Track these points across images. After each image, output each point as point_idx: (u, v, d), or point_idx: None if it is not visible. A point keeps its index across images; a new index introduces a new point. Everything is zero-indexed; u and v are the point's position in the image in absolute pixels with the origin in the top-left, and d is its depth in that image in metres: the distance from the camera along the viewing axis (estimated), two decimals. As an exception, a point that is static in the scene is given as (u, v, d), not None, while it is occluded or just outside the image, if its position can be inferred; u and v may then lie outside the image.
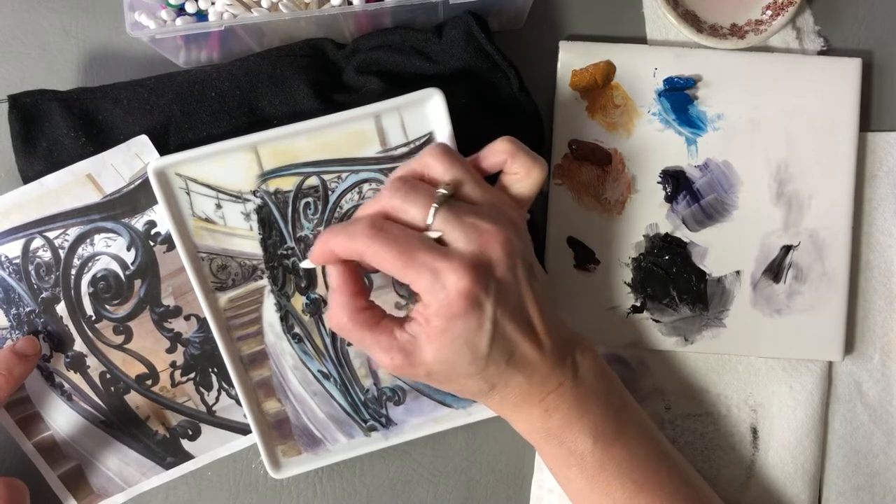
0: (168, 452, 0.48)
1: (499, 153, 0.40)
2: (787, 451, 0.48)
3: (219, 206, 0.46)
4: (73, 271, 0.47)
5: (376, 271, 0.43)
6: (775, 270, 0.49)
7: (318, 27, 0.47)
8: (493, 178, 0.42)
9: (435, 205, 0.37)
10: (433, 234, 0.37)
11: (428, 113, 0.45)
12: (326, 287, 0.46)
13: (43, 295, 0.47)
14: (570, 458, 0.40)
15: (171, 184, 0.45)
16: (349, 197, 0.46)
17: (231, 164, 0.45)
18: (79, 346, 0.47)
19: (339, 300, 0.39)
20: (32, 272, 0.47)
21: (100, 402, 0.48)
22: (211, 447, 0.49)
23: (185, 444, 0.48)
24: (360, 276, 0.40)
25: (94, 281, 0.47)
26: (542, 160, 0.40)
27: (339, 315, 0.39)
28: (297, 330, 0.47)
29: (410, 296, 0.46)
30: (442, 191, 0.38)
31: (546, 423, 0.40)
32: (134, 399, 0.48)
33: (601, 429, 0.40)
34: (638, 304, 0.49)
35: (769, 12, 0.50)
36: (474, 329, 0.37)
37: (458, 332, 0.37)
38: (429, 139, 0.46)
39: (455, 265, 0.36)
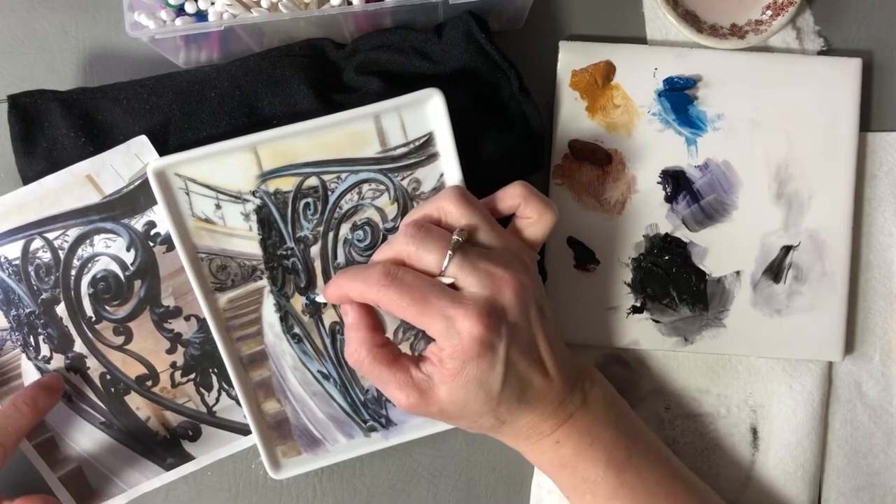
0: (168, 453, 0.48)
1: (513, 197, 0.41)
2: (787, 451, 0.48)
3: (218, 207, 0.45)
4: (73, 272, 0.46)
5: None
6: (775, 270, 0.48)
7: (317, 27, 0.47)
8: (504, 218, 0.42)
9: (450, 252, 0.38)
10: (446, 280, 0.38)
11: (428, 113, 0.45)
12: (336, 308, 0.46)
13: (43, 296, 0.46)
14: (584, 485, 0.41)
15: (170, 184, 0.45)
16: (349, 197, 0.45)
17: (230, 165, 0.45)
18: (79, 347, 0.47)
19: (357, 336, 0.40)
20: (32, 273, 0.46)
21: (100, 403, 0.47)
22: (211, 448, 0.48)
23: (186, 444, 0.48)
24: (375, 312, 0.41)
25: (93, 282, 0.47)
26: (554, 205, 0.41)
27: (358, 350, 0.39)
28: (296, 330, 0.46)
29: None
30: (457, 237, 0.38)
31: (558, 454, 0.40)
32: (134, 400, 0.47)
33: (612, 455, 0.40)
34: (638, 304, 0.48)
35: (769, 12, 0.49)
36: (487, 371, 0.37)
37: (472, 374, 0.37)
38: (428, 139, 0.45)
39: (469, 312, 0.37)
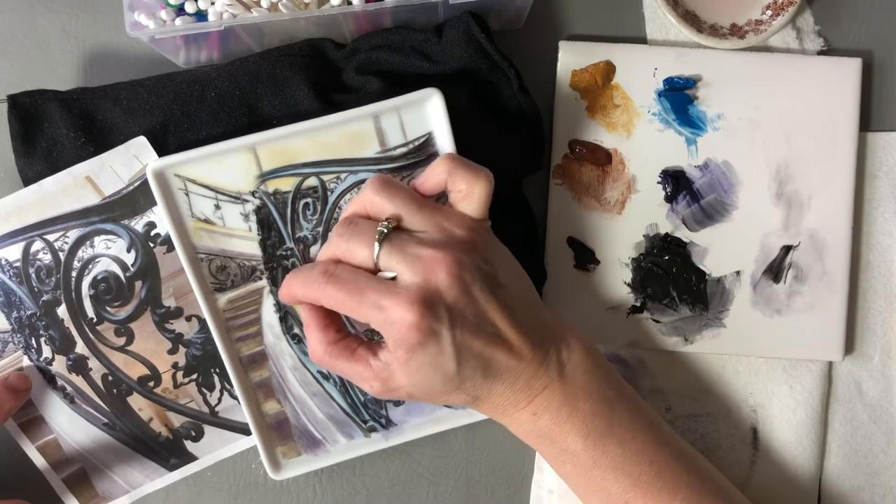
0: (171, 454, 0.46)
1: (438, 174, 0.38)
2: (787, 451, 0.46)
3: (218, 207, 0.43)
4: (74, 274, 0.44)
5: None
6: (775, 270, 0.46)
7: (318, 27, 0.45)
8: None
9: (376, 243, 0.36)
10: (387, 275, 0.36)
11: (427, 113, 0.43)
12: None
13: (44, 298, 0.45)
14: (563, 456, 0.38)
15: (169, 185, 0.43)
16: (348, 198, 0.43)
17: (230, 165, 0.43)
18: (80, 348, 0.45)
19: (312, 336, 0.38)
20: (33, 275, 0.44)
21: (102, 404, 0.45)
22: (214, 448, 0.46)
23: (189, 445, 0.46)
24: (328, 310, 0.38)
25: (94, 283, 0.45)
26: (486, 171, 0.38)
27: (315, 349, 0.38)
28: (296, 331, 0.44)
29: None
30: (381, 228, 0.36)
31: (535, 425, 0.38)
32: (136, 401, 0.45)
33: (591, 426, 0.38)
34: (638, 304, 0.46)
35: (769, 12, 0.47)
36: (436, 355, 0.35)
37: (422, 360, 0.35)
38: (428, 139, 0.43)
39: (400, 300, 0.35)
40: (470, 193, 0.38)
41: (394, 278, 0.36)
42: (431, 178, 0.38)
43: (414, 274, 0.35)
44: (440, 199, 0.40)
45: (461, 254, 0.36)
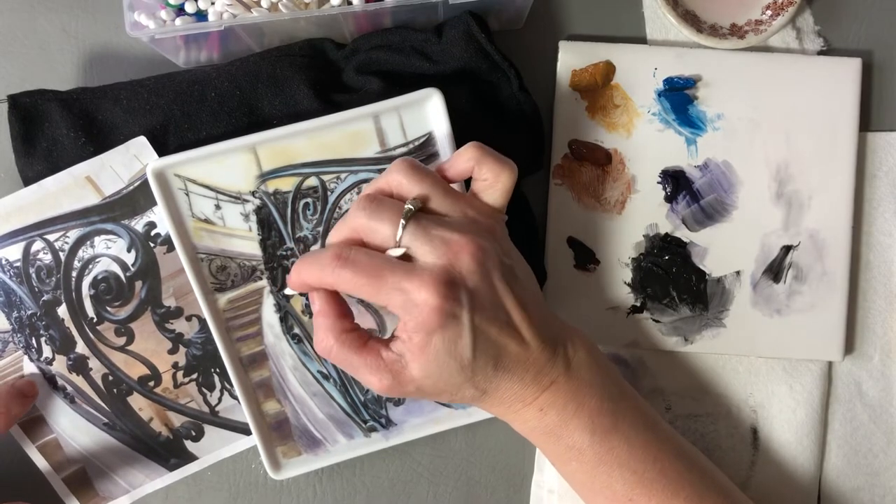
0: (172, 454, 0.46)
1: (465, 160, 0.38)
2: (787, 451, 0.46)
3: (218, 207, 0.43)
4: (74, 273, 0.44)
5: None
6: (775, 270, 0.46)
7: (318, 27, 0.44)
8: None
9: (402, 221, 0.35)
10: (396, 252, 0.35)
11: (427, 113, 0.43)
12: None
13: (44, 298, 0.44)
14: (569, 453, 0.38)
15: (169, 185, 0.42)
16: (348, 198, 0.43)
17: (230, 165, 0.42)
18: (81, 348, 0.45)
19: (324, 323, 0.37)
20: (33, 275, 0.44)
21: (103, 404, 0.45)
22: (214, 448, 0.46)
23: (189, 444, 0.46)
24: (342, 298, 0.38)
25: (94, 283, 0.44)
26: (511, 163, 0.38)
27: (325, 338, 0.37)
28: (296, 331, 0.44)
29: None
30: (408, 206, 0.36)
31: (542, 422, 0.38)
32: (136, 401, 0.45)
33: (597, 422, 0.37)
34: (638, 304, 0.46)
35: (769, 12, 0.47)
36: (454, 340, 0.35)
37: (439, 345, 0.35)
38: (428, 139, 0.43)
39: (424, 282, 0.34)
40: (495, 183, 0.38)
41: (402, 257, 0.35)
42: (458, 164, 0.38)
43: (438, 256, 0.35)
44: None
45: (484, 241, 0.36)
